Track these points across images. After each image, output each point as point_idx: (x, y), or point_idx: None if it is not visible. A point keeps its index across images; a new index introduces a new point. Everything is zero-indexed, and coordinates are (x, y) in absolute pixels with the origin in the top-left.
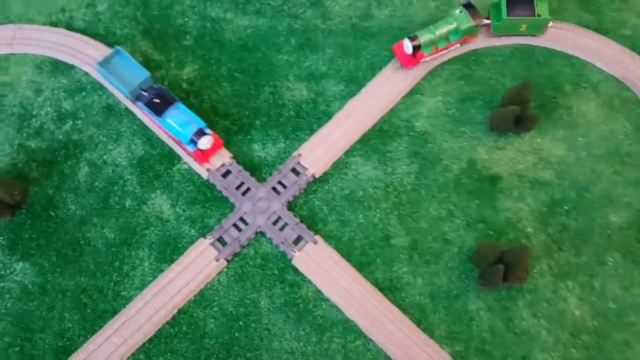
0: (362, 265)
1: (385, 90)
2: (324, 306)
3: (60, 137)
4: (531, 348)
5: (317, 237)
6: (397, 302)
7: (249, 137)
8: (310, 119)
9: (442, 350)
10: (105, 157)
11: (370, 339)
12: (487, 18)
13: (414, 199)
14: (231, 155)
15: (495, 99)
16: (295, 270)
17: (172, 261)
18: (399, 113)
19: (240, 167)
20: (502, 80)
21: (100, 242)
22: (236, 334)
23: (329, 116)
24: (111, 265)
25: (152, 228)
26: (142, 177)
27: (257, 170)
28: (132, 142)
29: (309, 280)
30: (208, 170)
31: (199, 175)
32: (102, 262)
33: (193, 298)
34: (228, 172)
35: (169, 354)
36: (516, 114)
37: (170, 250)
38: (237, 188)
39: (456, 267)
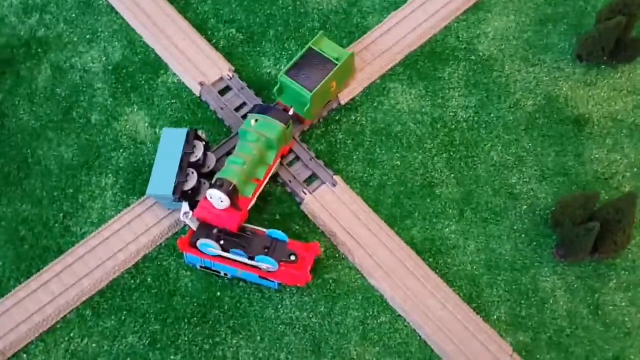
0: (394, 219)
1: (439, 2)
2: (339, 267)
3: (23, 32)
4: (626, 346)
5: (337, 178)
6: (440, 270)
7: (258, 49)
8: (339, 32)
9: (501, 339)
10: (73, 61)
11: (399, 316)
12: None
13: (470, 139)
14: (232, 68)
15: (585, 24)
16: (305, 218)
17: (142, 194)
18: (456, 32)
19: (244, 84)
20: (594, 3)
21: (53, 162)
22: (218, 294)
23: (363, 31)
24: (64, 192)
25: (122, 151)
26: (117, 87)
27: (264, 89)
28: (109, 45)
29: (322, 233)
30: (201, 84)
31: (190, 91)
32: (53, 188)
33: (164, 242)
34: (227, 89)
35: (125, 312)
36: (621, 29)
37: (142, 180)
38: (237, 110)
39: (525, 231)
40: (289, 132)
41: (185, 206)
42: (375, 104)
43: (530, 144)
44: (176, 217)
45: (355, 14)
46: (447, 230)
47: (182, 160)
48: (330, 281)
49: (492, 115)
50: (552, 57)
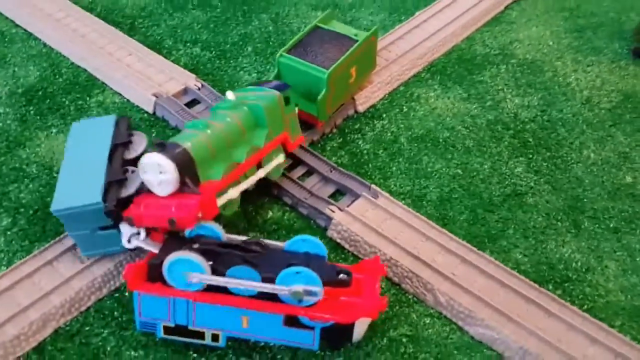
0: (480, 240)
1: (453, 12)
2: (412, 317)
3: None
4: None
5: (376, 188)
6: (581, 306)
7: (233, 63)
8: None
9: None
10: None
11: None
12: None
13: (547, 139)
14: (198, 78)
15: (626, 30)
16: (336, 247)
17: (57, 235)
18: (482, 40)
19: (218, 94)
20: (627, 13)
21: None
22: None
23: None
24: None
25: (28, 182)
26: (28, 110)
27: None
28: (20, 69)
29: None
30: (156, 96)
31: (138, 108)
32: None
33: (92, 305)
34: (195, 102)
35: None
36: None
37: (55, 219)
38: None
39: None
40: (291, 116)
41: (126, 226)
42: (406, 110)
43: (628, 139)
44: (105, 268)
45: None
46: (564, 249)
47: (112, 155)
48: (404, 340)
49: (565, 112)
50: (607, 58)
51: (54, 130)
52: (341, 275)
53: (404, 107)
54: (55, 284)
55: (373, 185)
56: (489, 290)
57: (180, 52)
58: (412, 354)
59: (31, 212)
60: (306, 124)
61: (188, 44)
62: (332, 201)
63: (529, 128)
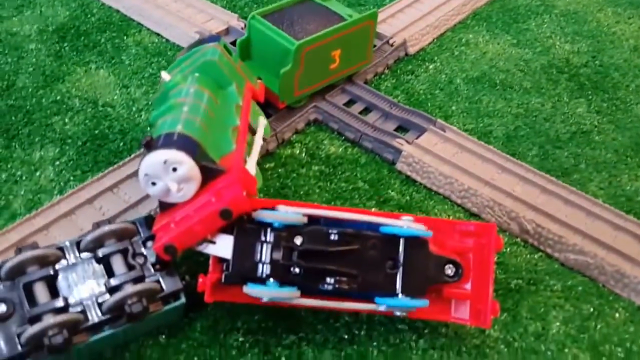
0: (554, 172)
1: None
2: (521, 258)
3: None
4: None
5: (442, 122)
6: None
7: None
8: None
9: None
10: None
11: None
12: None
13: (603, 83)
14: (238, 16)
15: None
16: (406, 181)
17: (109, 165)
18: None
19: None
20: None
21: None
22: None
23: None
24: None
25: (72, 115)
26: (62, 46)
27: None
28: (48, 8)
29: (443, 199)
30: (200, 35)
31: (177, 47)
32: None
33: None
34: None
35: None
36: None
37: (108, 149)
38: None
39: None
40: (239, 64)
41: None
42: (457, 54)
43: None
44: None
45: None
46: (638, 182)
47: None
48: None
49: (616, 58)
50: None
51: (93, 66)
52: (447, 269)
53: (455, 51)
54: (118, 209)
55: (439, 120)
56: (575, 218)
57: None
58: (503, 280)
59: (80, 143)
60: (269, 105)
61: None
62: (399, 134)
63: (583, 72)
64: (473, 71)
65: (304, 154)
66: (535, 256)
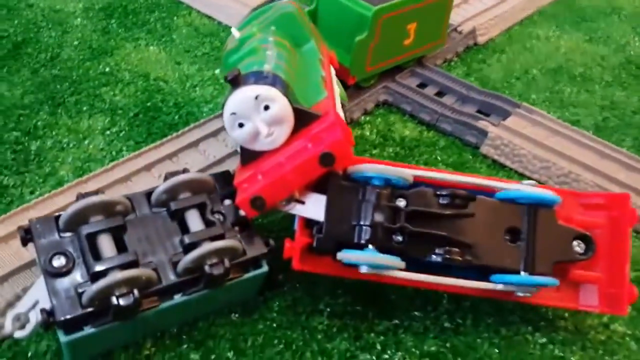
0: None
1: None
2: None
3: None
4: None
5: (527, 105)
6: None
7: None
8: None
9: None
10: (31, 1)
11: None
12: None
13: None
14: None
15: None
16: (493, 164)
17: (162, 136)
18: None
19: None
20: None
21: None
22: None
23: None
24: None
25: (122, 86)
26: (109, 23)
27: None
28: None
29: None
30: None
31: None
32: None
33: None
34: None
35: None
36: None
37: (161, 122)
38: None
39: None
40: (308, 24)
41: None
42: (529, 46)
43: None
44: None
45: None
46: None
47: None
48: None
49: None
50: None
51: (142, 43)
52: (576, 244)
53: (527, 44)
54: None
55: (524, 103)
56: None
57: None
58: None
59: (131, 114)
60: (341, 78)
61: None
62: (482, 116)
63: None
64: (549, 63)
65: (375, 135)
66: None
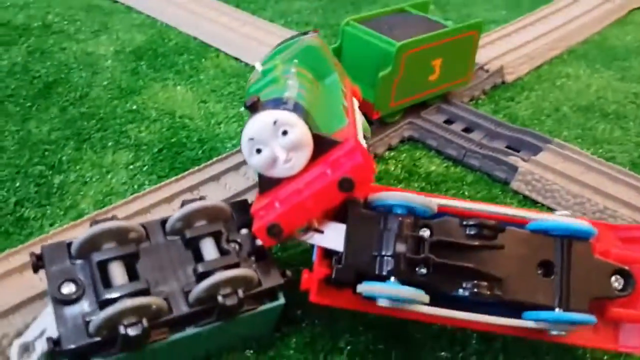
0: None
1: (573, 13)
2: None
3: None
4: None
5: (559, 141)
6: None
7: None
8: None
9: None
10: (65, 45)
11: None
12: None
13: None
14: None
15: None
16: (523, 200)
17: (183, 170)
18: (615, 35)
19: None
20: None
21: (13, 138)
22: None
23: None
24: (25, 172)
25: (148, 123)
26: (138, 64)
27: None
28: (125, 33)
29: None
30: None
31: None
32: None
33: None
34: None
35: None
36: None
37: (184, 157)
38: None
39: None
40: (332, 58)
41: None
42: (559, 84)
43: None
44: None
45: None
46: None
47: None
48: None
49: None
50: None
51: (170, 83)
52: (614, 281)
53: (556, 82)
54: None
55: (556, 139)
56: None
57: (293, 29)
58: None
59: (155, 150)
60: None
61: (299, 24)
62: (512, 151)
63: None
64: (580, 100)
65: (399, 170)
66: None
